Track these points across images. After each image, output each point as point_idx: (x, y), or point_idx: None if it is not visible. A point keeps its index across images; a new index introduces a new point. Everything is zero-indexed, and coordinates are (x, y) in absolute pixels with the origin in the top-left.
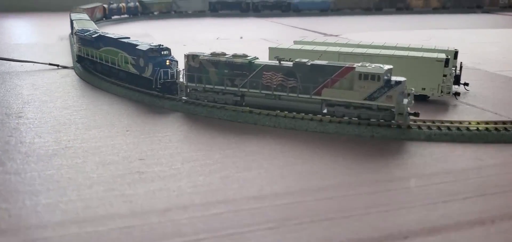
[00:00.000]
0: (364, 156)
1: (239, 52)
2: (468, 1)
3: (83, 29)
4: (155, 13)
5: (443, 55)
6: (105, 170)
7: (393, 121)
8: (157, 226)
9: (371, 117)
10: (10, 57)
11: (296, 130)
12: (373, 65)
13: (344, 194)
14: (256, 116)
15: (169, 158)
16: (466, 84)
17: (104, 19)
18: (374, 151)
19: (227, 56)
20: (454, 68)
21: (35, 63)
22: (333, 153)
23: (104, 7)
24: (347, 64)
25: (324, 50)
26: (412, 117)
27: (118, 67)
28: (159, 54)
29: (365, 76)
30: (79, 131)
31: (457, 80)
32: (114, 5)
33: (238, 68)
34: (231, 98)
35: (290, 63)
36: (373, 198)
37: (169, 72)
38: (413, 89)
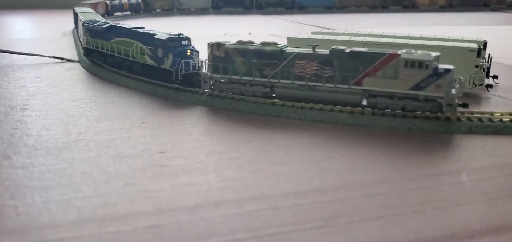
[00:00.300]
0: (404, 149)
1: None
2: None
3: (91, 20)
4: (158, 10)
5: (475, 45)
6: (122, 164)
7: (440, 113)
8: (188, 225)
9: (417, 109)
10: (12, 50)
11: (325, 123)
12: (419, 52)
13: (391, 190)
14: (279, 108)
15: (192, 150)
16: (495, 77)
17: (106, 16)
18: (414, 144)
19: (255, 44)
20: (482, 61)
21: (38, 56)
22: (369, 146)
23: (106, 4)
24: (391, 51)
25: (348, 40)
26: (459, 109)
27: (133, 59)
28: (179, 43)
29: (411, 63)
30: (90, 123)
31: (486, 72)
32: (117, 2)
33: (268, 57)
34: (260, 90)
35: (326, 51)
36: (425, 193)
37: (191, 63)
38: (462, 78)
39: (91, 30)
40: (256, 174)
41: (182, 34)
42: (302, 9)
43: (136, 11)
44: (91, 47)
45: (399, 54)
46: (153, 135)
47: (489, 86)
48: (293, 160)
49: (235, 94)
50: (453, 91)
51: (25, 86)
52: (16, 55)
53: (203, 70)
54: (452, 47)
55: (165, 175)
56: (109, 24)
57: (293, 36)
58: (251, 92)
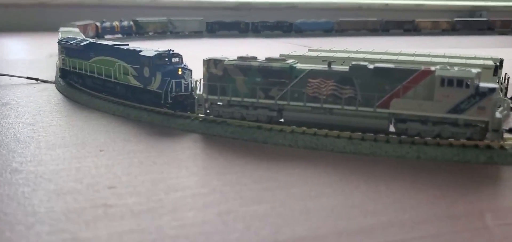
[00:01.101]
0: (413, 184)
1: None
2: (478, 23)
3: (68, 37)
4: (150, 33)
5: (491, 62)
6: (58, 202)
7: (484, 140)
8: None
9: (456, 135)
10: None
11: (319, 150)
12: (456, 68)
13: (396, 239)
14: (266, 133)
15: (150, 185)
16: None
17: (96, 38)
18: (425, 177)
19: (260, 60)
20: (498, 80)
21: (12, 77)
22: (371, 180)
23: (96, 26)
24: (423, 67)
25: (354, 58)
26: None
27: (115, 80)
28: (169, 61)
29: (449, 81)
30: (39, 150)
31: (505, 92)
32: (107, 24)
33: (275, 75)
34: (265, 113)
35: (345, 67)
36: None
37: (183, 83)
38: (508, 98)
39: (68, 48)
40: (225, 216)
41: (172, 50)
42: (300, 32)
43: (128, 34)
44: (68, 68)
45: (434, 71)
46: (109, 166)
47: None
48: (275, 198)
49: (235, 118)
50: (498, 114)
51: None
52: None
53: (198, 92)
54: (466, 65)
55: (107, 217)
56: (88, 41)
57: (285, 53)
58: (255, 117)
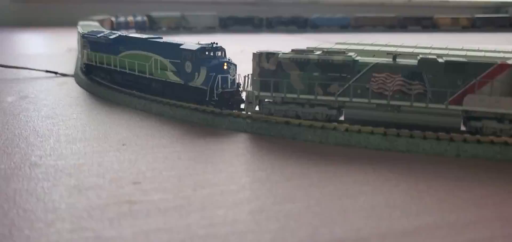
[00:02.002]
0: (455, 182)
1: None
2: (500, 19)
3: (93, 31)
4: (163, 28)
5: None
6: (80, 198)
7: None
8: None
9: None
10: (3, 64)
11: (351, 146)
12: None
13: (454, 240)
14: (295, 129)
15: (177, 181)
16: None
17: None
18: (467, 175)
19: (318, 53)
20: None
21: (31, 70)
22: (410, 178)
23: (112, 21)
24: (499, 61)
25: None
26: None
27: (150, 76)
28: (212, 55)
29: None
30: (59, 144)
31: None
32: (122, 19)
33: (336, 70)
34: (324, 111)
35: (414, 61)
36: None
37: (229, 79)
38: None
39: (94, 42)
40: (257, 215)
41: (216, 43)
42: (316, 28)
43: (142, 28)
44: (93, 63)
45: None
46: (132, 160)
47: None
48: (309, 196)
49: (290, 117)
50: None
51: (2, 102)
52: (8, 69)
53: (248, 88)
54: (493, 57)
55: (132, 215)
56: (117, 35)
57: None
58: (312, 115)
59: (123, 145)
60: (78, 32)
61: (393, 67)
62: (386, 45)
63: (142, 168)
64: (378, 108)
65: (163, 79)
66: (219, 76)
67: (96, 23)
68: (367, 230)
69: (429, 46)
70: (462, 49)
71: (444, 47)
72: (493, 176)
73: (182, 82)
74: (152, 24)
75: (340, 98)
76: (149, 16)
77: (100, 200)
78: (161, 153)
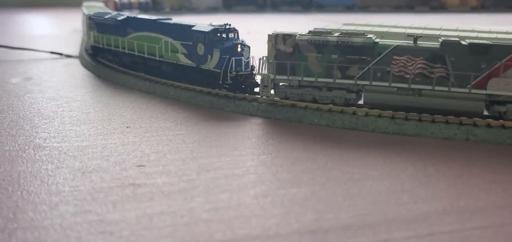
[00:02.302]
0: (465, 167)
1: None
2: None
3: (100, 12)
4: (166, 9)
5: None
6: (84, 181)
7: None
8: None
9: None
10: (8, 45)
11: (359, 130)
12: None
13: (453, 229)
14: (301, 112)
15: (181, 164)
16: None
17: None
18: (476, 160)
19: (337, 35)
20: None
21: (35, 51)
22: (419, 162)
23: (115, 1)
24: None
25: (387, 32)
26: None
27: (160, 59)
28: (226, 37)
29: None
30: (63, 126)
31: None
32: (126, 0)
33: (356, 52)
34: (342, 95)
35: (436, 43)
36: (505, 235)
37: (243, 61)
38: None
39: (100, 24)
40: (262, 199)
41: (229, 25)
42: (320, 8)
43: (145, 9)
44: (101, 45)
45: None
46: (136, 143)
47: None
48: (314, 181)
49: (306, 101)
50: None
51: (7, 83)
52: (12, 50)
53: (262, 71)
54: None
55: (136, 198)
56: (125, 16)
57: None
58: (330, 99)
59: (127, 127)
60: (84, 13)
61: (414, 49)
62: (396, 26)
63: (146, 151)
64: (398, 92)
65: (174, 61)
66: (233, 58)
67: (101, 4)
68: (374, 216)
69: (453, 28)
70: (487, 32)
71: (470, 29)
72: (504, 161)
73: (194, 65)
74: (155, 5)
75: (359, 82)
76: None
77: (104, 183)
78: (165, 135)
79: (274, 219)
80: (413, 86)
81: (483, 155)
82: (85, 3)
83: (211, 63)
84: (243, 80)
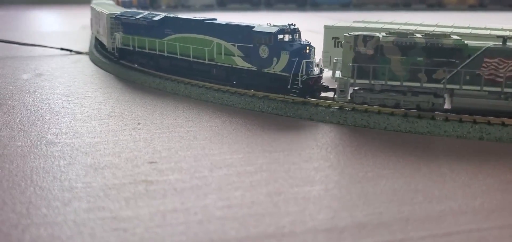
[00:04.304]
0: (479, 167)
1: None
2: None
3: (126, 11)
4: (163, 7)
5: None
6: (96, 177)
7: None
8: None
9: None
10: (20, 41)
11: (371, 128)
12: None
13: (470, 228)
14: (312, 109)
15: (193, 161)
16: None
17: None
18: (491, 159)
19: (425, 36)
20: None
21: (46, 48)
22: (432, 161)
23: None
24: None
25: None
26: None
27: (210, 62)
28: (291, 38)
29: None
30: (74, 122)
31: None
32: None
33: (444, 54)
34: (429, 100)
35: None
36: None
37: (313, 64)
38: None
39: (130, 25)
40: (275, 197)
41: (293, 25)
42: (316, 6)
43: (143, 7)
44: (131, 47)
45: None
46: (147, 140)
47: None
48: (328, 179)
49: (388, 106)
50: None
51: (17, 79)
52: (23, 46)
53: (336, 74)
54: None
55: (149, 195)
56: (162, 16)
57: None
58: (415, 103)
59: (138, 123)
60: (98, 11)
61: (507, 51)
62: (406, 24)
63: (158, 147)
64: (489, 96)
65: (228, 65)
66: (304, 61)
67: (112, 2)
68: (389, 215)
69: (466, 26)
70: (486, 29)
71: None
72: None
73: (254, 68)
74: (152, 2)
75: (449, 86)
76: None
77: (116, 179)
78: (176, 132)
79: (288, 217)
80: (506, 90)
81: (497, 154)
82: (94, 1)
83: (277, 67)
84: (313, 83)
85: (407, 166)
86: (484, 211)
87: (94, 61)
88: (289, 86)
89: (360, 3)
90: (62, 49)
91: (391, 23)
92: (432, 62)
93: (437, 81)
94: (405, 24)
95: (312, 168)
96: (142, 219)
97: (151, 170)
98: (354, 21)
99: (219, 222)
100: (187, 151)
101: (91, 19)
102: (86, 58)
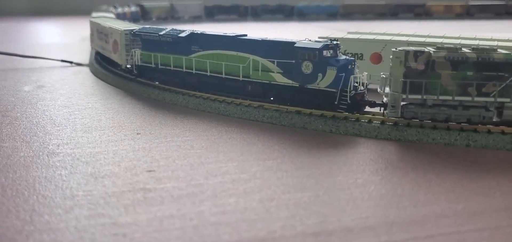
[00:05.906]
0: (465, 173)
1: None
2: (496, 7)
3: (145, 27)
4: (154, 18)
5: None
6: (96, 186)
7: None
8: None
9: None
10: (21, 54)
11: (361, 137)
12: None
13: (450, 231)
14: (305, 118)
15: (189, 169)
16: None
17: None
18: (477, 166)
19: (475, 51)
20: None
21: (47, 60)
22: (419, 167)
23: (113, 13)
24: None
25: (407, 41)
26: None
27: (244, 79)
28: (334, 53)
29: None
30: (75, 133)
31: None
32: (120, 10)
33: (494, 68)
34: (480, 113)
35: None
36: (494, 238)
37: (360, 80)
38: None
39: (151, 41)
40: (267, 203)
41: (336, 40)
42: (302, 17)
43: (136, 19)
44: (152, 65)
45: None
46: (146, 149)
47: None
48: (318, 185)
49: (439, 121)
50: None
51: (18, 91)
52: (25, 58)
53: (386, 89)
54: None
55: (147, 202)
56: (188, 32)
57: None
58: (465, 117)
59: (137, 133)
60: (112, 28)
61: None
62: (398, 35)
63: (156, 157)
64: None
65: (266, 81)
66: (352, 76)
67: (112, 15)
68: (375, 219)
69: (457, 36)
70: (477, 39)
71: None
72: (503, 166)
73: (296, 84)
74: (144, 14)
75: (500, 99)
76: (141, 6)
77: (116, 187)
78: (174, 141)
79: (279, 222)
80: None
81: (483, 160)
82: (94, 13)
83: (322, 83)
84: (360, 99)
85: (396, 172)
86: (466, 215)
87: (94, 72)
88: (336, 102)
89: (347, 13)
90: (62, 61)
91: (384, 33)
92: (481, 76)
93: (487, 95)
94: (398, 35)
95: (303, 175)
96: (140, 224)
97: (149, 178)
98: (348, 32)
99: (214, 227)
100: (184, 159)
101: (92, 34)
102: (86, 70)
